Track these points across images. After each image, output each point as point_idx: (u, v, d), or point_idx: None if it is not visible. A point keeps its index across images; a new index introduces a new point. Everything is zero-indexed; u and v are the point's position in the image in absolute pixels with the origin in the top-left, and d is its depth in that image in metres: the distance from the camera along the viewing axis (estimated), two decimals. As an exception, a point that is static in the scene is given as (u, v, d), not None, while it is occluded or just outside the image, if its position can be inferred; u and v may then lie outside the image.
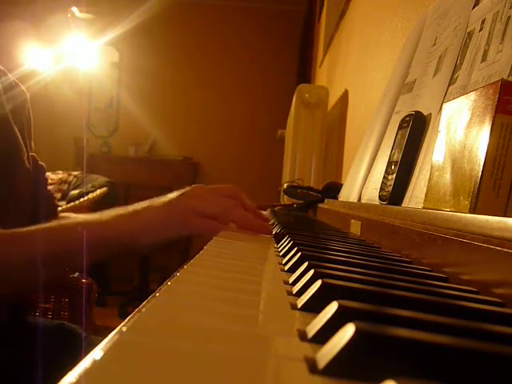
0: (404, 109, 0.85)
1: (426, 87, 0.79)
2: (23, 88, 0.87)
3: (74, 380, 0.15)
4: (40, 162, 0.90)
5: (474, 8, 0.68)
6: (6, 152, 0.77)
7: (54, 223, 0.66)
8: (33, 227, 0.63)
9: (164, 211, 0.67)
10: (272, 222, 0.96)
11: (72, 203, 2.65)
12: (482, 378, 0.18)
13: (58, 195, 2.90)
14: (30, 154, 0.87)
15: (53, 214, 0.90)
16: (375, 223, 0.70)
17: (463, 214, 0.42)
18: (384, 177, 0.77)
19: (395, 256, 0.55)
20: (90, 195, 2.78)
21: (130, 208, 0.68)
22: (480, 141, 0.45)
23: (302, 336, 0.23)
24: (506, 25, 0.56)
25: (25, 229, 0.62)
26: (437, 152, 0.55)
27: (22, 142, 0.80)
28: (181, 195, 0.69)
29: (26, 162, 0.80)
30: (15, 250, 0.60)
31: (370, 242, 0.70)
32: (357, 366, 0.18)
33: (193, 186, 0.72)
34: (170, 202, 0.68)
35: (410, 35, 1.00)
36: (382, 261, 0.49)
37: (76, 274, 1.17)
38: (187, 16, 4.66)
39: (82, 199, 2.71)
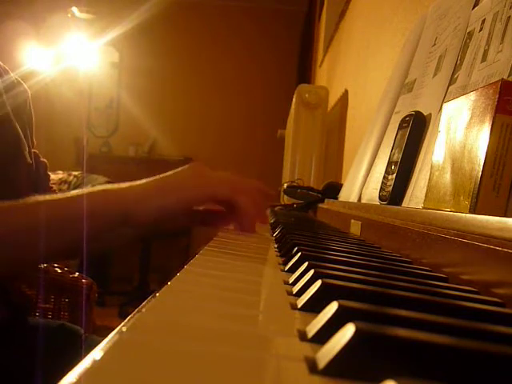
0: (404, 109, 0.85)
1: (426, 87, 0.79)
2: (25, 86, 0.87)
3: (74, 380, 0.15)
4: (42, 159, 0.89)
5: (474, 8, 0.68)
6: (9, 149, 0.77)
7: (53, 196, 0.62)
8: (30, 200, 0.59)
9: (166, 177, 0.64)
10: (272, 222, 0.96)
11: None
12: (482, 377, 0.18)
13: (58, 195, 2.90)
14: (33, 150, 0.87)
15: None
16: (375, 223, 0.70)
17: (463, 214, 0.42)
18: (384, 177, 0.77)
19: (395, 256, 0.55)
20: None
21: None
22: (480, 141, 0.45)
23: (302, 336, 0.23)
24: (506, 25, 0.56)
25: (22, 201, 0.58)
26: (437, 152, 0.55)
27: (23, 139, 0.80)
28: (185, 166, 0.65)
29: (28, 158, 0.80)
30: (14, 220, 0.58)
31: (370, 242, 0.70)
32: (357, 365, 0.18)
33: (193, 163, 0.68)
34: (174, 172, 0.64)
35: (410, 35, 1.00)
36: (382, 261, 0.49)
37: (76, 274, 1.17)
38: (187, 16, 4.66)
39: (82, 199, 2.71)
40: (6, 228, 0.57)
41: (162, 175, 0.64)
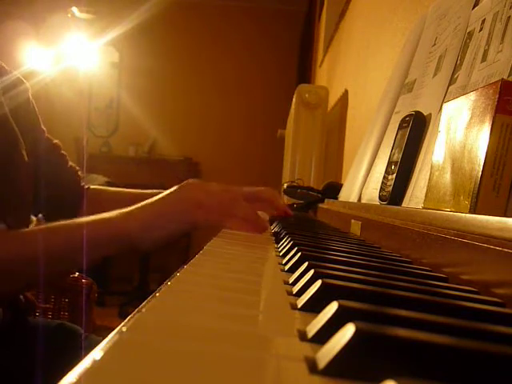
0: (404, 109, 0.85)
1: (426, 87, 0.79)
2: (26, 83, 0.87)
3: (74, 380, 0.15)
4: (54, 141, 0.91)
5: (474, 8, 0.68)
6: (8, 149, 0.77)
7: (57, 223, 0.66)
8: (35, 227, 0.63)
9: (166, 205, 0.67)
10: (272, 222, 0.96)
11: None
12: (482, 377, 0.18)
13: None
14: (45, 135, 0.89)
15: (78, 193, 0.92)
16: (375, 223, 0.70)
17: (463, 214, 0.42)
18: (384, 177, 0.77)
19: (395, 256, 0.55)
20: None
21: (132, 206, 0.68)
22: (480, 141, 0.45)
23: (302, 336, 0.23)
24: (506, 25, 0.56)
25: (26, 229, 0.62)
26: (437, 152, 0.55)
27: (21, 138, 0.80)
28: (180, 188, 0.69)
29: (25, 156, 0.81)
30: (15, 249, 0.61)
31: (370, 242, 0.70)
32: (357, 366, 0.18)
33: (189, 180, 0.72)
34: (171, 196, 0.68)
35: (410, 35, 1.00)
36: (382, 261, 0.49)
37: (76, 274, 1.17)
38: (187, 16, 4.66)
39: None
40: (11, 259, 0.59)
41: (159, 196, 0.68)
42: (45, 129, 0.90)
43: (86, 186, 0.97)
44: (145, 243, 0.65)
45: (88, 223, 0.64)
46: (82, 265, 0.63)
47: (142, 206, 0.67)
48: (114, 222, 0.65)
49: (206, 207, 0.67)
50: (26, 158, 0.81)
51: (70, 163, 0.95)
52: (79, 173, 0.97)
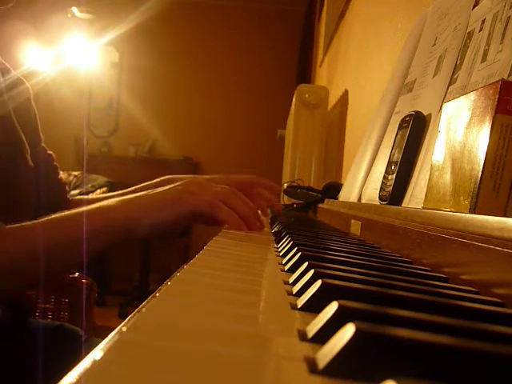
0: (404, 109, 0.85)
1: (426, 87, 0.79)
2: (27, 84, 0.87)
3: (74, 380, 0.15)
4: (48, 152, 0.92)
5: (474, 8, 0.68)
6: (10, 151, 0.77)
7: (54, 215, 0.65)
8: (33, 221, 0.63)
9: (160, 194, 0.69)
10: (272, 221, 0.96)
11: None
12: (482, 377, 0.18)
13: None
14: (42, 143, 0.90)
15: (64, 206, 0.92)
16: (375, 223, 0.70)
17: (463, 214, 0.42)
18: (384, 177, 0.77)
19: (395, 256, 0.55)
20: (90, 195, 2.78)
21: (132, 195, 0.70)
22: (480, 141, 0.45)
23: (302, 336, 0.23)
24: (506, 25, 0.56)
25: (25, 223, 0.62)
26: (437, 152, 0.55)
27: (25, 140, 0.80)
28: (181, 182, 0.72)
29: (30, 161, 0.81)
30: (15, 244, 0.60)
31: (370, 242, 0.70)
32: (357, 366, 0.18)
33: (193, 176, 0.75)
34: (170, 187, 0.71)
35: (410, 35, 1.00)
36: (382, 261, 0.49)
37: (76, 274, 1.17)
38: (187, 16, 4.66)
39: (82, 199, 2.71)
40: (9, 256, 0.59)
41: (153, 190, 0.71)
42: (42, 137, 0.90)
43: (70, 199, 0.97)
44: (142, 228, 0.66)
45: (87, 213, 0.64)
46: (83, 257, 0.63)
47: (141, 194, 0.70)
48: (109, 212, 0.66)
49: (201, 195, 0.69)
50: (31, 163, 0.81)
51: (61, 175, 0.95)
52: (66, 187, 0.98)
